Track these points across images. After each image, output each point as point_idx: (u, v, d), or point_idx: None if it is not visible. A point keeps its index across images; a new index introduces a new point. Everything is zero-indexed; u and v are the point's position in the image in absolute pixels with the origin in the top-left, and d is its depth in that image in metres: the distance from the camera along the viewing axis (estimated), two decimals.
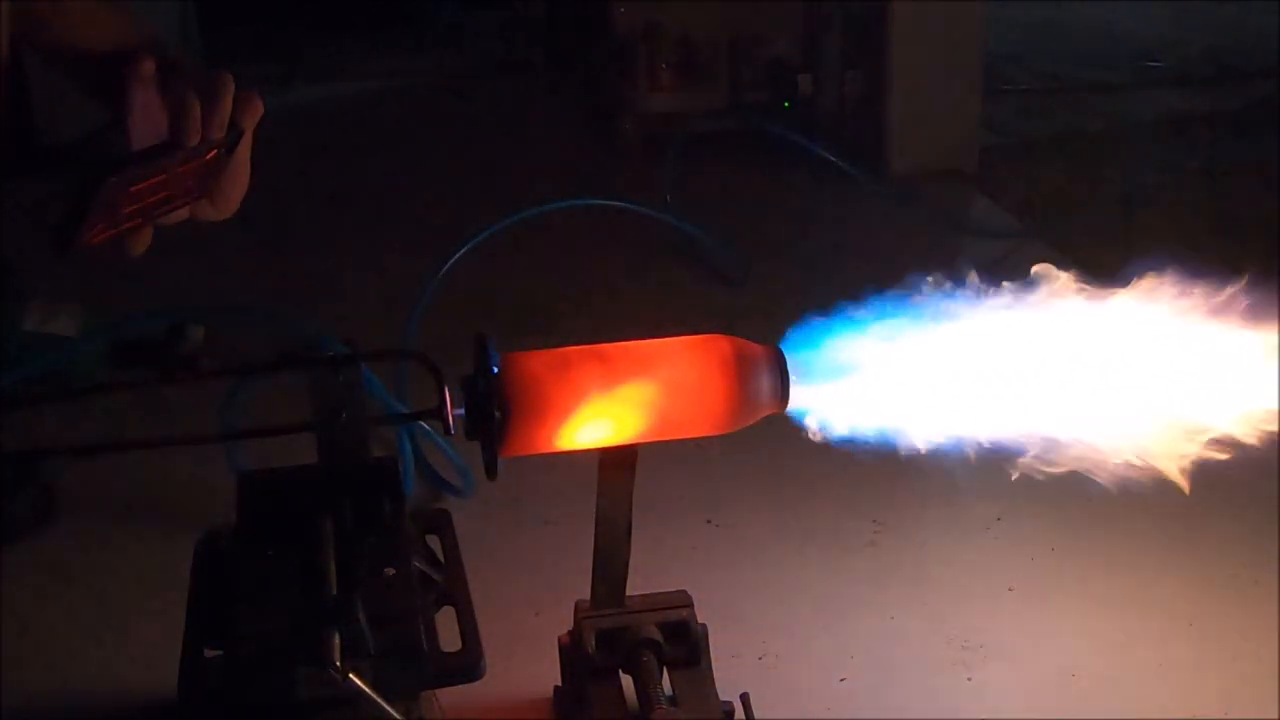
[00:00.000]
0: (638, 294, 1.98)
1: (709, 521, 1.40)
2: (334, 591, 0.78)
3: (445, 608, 0.88)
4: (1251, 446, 0.86)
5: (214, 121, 0.90)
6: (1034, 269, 0.89)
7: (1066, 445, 0.87)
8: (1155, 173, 2.47)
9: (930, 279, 0.91)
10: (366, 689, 0.74)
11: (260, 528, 0.85)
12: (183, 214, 0.96)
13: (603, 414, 0.85)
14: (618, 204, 2.05)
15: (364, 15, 3.55)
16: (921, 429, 0.89)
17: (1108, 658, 1.18)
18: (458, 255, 1.76)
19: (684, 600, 1.01)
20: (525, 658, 1.11)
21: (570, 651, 1.03)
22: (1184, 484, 0.86)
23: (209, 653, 0.83)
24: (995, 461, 0.89)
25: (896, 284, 0.92)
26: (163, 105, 0.90)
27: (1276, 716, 1.10)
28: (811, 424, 0.89)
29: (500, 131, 2.86)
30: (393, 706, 0.75)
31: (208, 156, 0.91)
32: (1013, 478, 0.88)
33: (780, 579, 1.30)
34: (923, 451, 0.89)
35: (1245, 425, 0.86)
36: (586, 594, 1.00)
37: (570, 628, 1.02)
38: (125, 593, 1.28)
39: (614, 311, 1.89)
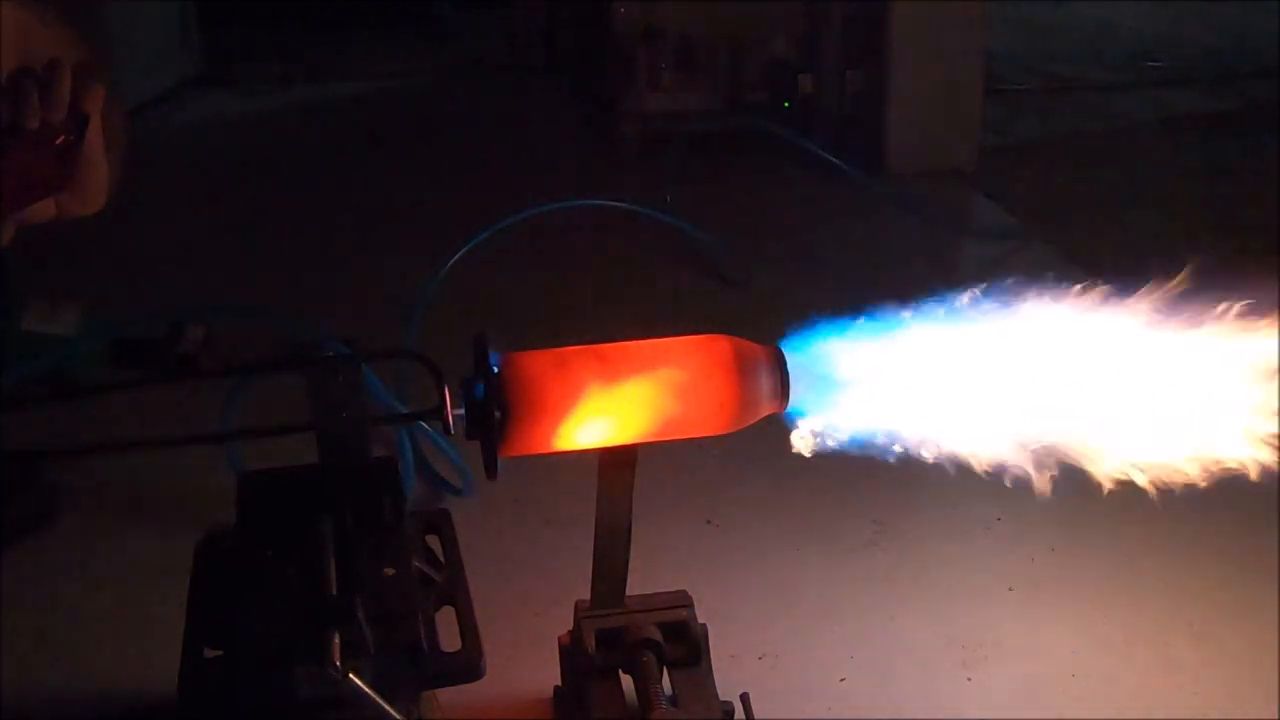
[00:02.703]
0: (637, 294, 1.98)
1: (709, 521, 1.40)
2: (334, 591, 0.78)
3: (445, 608, 0.88)
4: (1251, 446, 0.86)
5: (51, 104, 0.91)
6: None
7: (1066, 448, 0.87)
8: (1155, 173, 2.47)
9: (929, 279, 0.91)
10: (366, 689, 0.74)
11: (260, 528, 0.85)
12: (48, 210, 0.97)
13: (603, 414, 0.85)
14: (617, 204, 2.05)
15: (364, 15, 3.56)
16: (922, 430, 0.89)
17: (1108, 658, 1.18)
18: (458, 255, 1.76)
19: (684, 600, 1.01)
20: (525, 658, 1.11)
21: (570, 651, 1.03)
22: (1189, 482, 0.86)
23: (209, 653, 0.83)
24: (995, 462, 0.89)
25: (896, 284, 0.92)
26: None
27: (1276, 717, 1.10)
28: (813, 426, 0.89)
29: (500, 131, 2.86)
30: (393, 706, 0.75)
31: (57, 142, 0.93)
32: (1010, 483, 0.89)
33: (780, 579, 1.30)
34: (923, 454, 0.89)
35: (1245, 427, 0.86)
36: (586, 594, 1.00)
37: (570, 628, 1.02)
38: (125, 593, 1.28)
39: (614, 311, 1.89)
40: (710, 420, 0.87)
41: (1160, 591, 1.27)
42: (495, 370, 0.83)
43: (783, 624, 1.23)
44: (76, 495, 1.42)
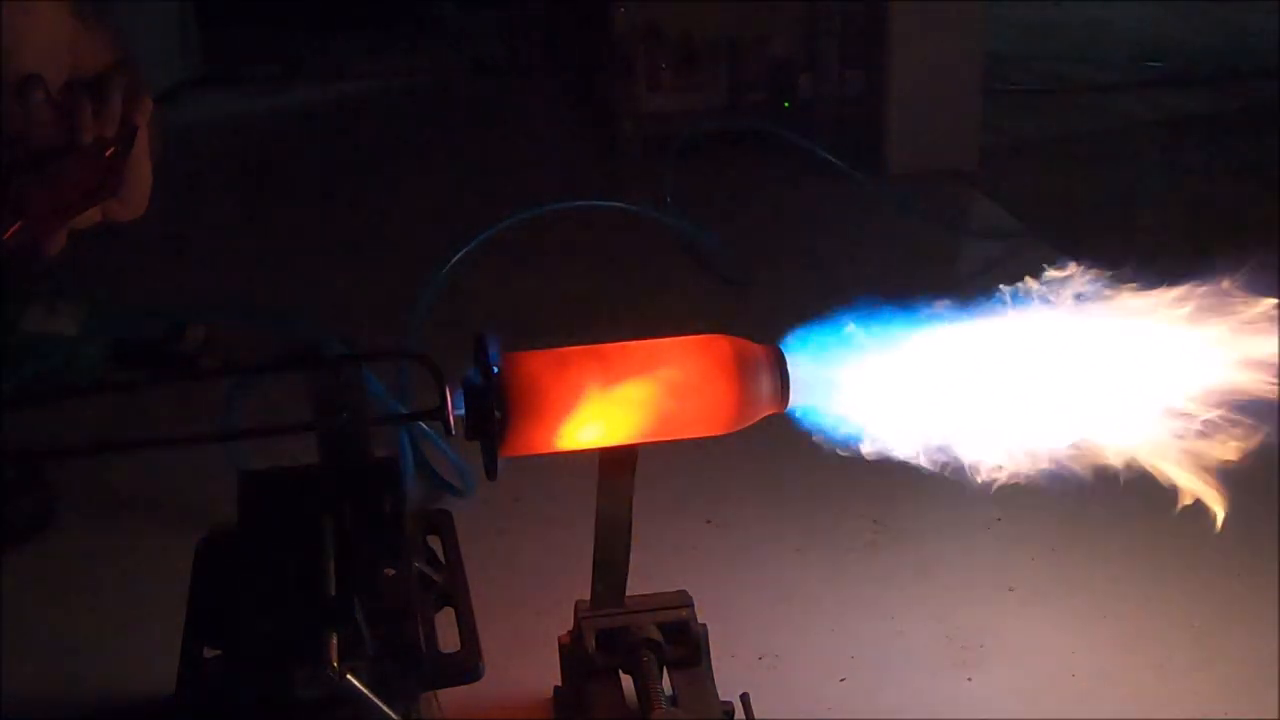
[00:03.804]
0: (638, 294, 1.98)
1: (709, 521, 1.40)
2: (333, 592, 0.78)
3: (445, 608, 0.88)
4: (1250, 445, 0.86)
5: (105, 119, 0.92)
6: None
7: (1065, 446, 0.87)
8: (1155, 173, 2.47)
9: (930, 279, 0.91)
10: (364, 689, 0.74)
11: (260, 528, 0.85)
12: (94, 215, 0.98)
13: (603, 414, 0.85)
14: (618, 205, 2.05)
15: (364, 15, 3.55)
16: (921, 431, 0.89)
17: (1108, 658, 1.18)
18: (458, 256, 1.76)
19: (684, 600, 1.01)
20: (525, 658, 1.11)
21: (570, 651, 1.03)
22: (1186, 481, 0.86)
23: (209, 653, 0.83)
24: (995, 462, 0.89)
25: (896, 283, 0.92)
26: (55, 108, 0.91)
27: (1276, 717, 1.10)
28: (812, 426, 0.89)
29: (500, 132, 2.86)
30: (391, 707, 0.75)
31: (106, 154, 0.94)
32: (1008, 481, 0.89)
33: (780, 579, 1.30)
34: (922, 455, 0.89)
35: (1244, 424, 0.86)
36: (586, 594, 1.00)
37: (570, 628, 1.02)
38: (125, 593, 1.28)
39: (614, 312, 1.89)
40: (710, 420, 0.87)
41: (1160, 591, 1.27)
42: (495, 370, 0.83)
43: (783, 624, 1.23)
44: (76, 495, 1.42)
